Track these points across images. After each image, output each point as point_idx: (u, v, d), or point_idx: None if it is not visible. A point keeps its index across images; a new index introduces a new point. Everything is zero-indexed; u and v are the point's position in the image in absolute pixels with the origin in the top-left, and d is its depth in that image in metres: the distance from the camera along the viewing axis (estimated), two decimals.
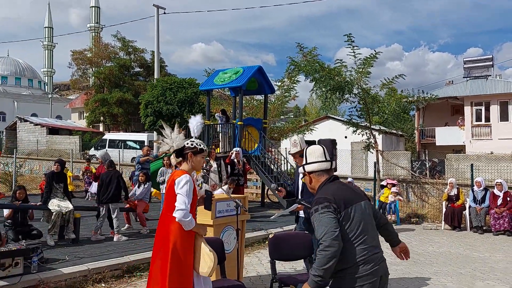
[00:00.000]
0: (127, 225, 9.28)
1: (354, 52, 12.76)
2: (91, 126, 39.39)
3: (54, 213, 7.44)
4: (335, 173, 3.05)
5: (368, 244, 2.74)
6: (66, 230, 7.66)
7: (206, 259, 3.70)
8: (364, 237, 2.73)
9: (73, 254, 6.72)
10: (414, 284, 6.15)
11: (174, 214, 3.54)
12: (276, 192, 5.48)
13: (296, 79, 15.89)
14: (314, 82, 12.87)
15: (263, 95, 14.41)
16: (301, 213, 5.48)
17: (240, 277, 5.35)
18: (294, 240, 4.80)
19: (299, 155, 5.34)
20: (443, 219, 11.16)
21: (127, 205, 9.05)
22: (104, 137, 30.03)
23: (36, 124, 35.65)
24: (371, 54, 13.14)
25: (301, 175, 5.62)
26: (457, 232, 10.57)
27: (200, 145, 3.86)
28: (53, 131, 35.21)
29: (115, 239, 7.94)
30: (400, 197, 12.26)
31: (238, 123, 12.49)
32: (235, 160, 11.04)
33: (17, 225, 7.30)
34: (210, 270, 3.67)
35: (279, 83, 16.30)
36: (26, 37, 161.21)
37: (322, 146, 3.07)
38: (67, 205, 7.60)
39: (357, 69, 12.89)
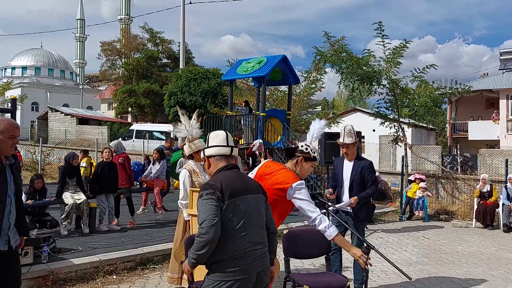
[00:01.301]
0: (142, 207, 9.26)
1: (383, 41, 12.28)
2: (119, 117, 39.88)
3: (67, 205, 7.40)
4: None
5: (249, 240, 2.66)
6: (82, 221, 7.60)
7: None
8: (245, 231, 2.65)
9: (87, 245, 6.62)
10: (441, 286, 5.75)
11: (320, 228, 3.20)
12: (327, 195, 5.16)
13: (323, 70, 15.42)
14: (340, 73, 12.45)
15: (287, 86, 14.03)
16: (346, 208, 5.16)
17: None
18: (311, 237, 4.46)
19: (353, 145, 5.02)
20: (474, 217, 10.63)
21: (145, 185, 9.01)
22: (131, 127, 30.25)
23: (67, 114, 36.28)
24: (401, 43, 12.63)
25: (348, 169, 5.09)
26: (489, 231, 10.02)
27: (315, 153, 3.49)
28: (82, 121, 35.75)
29: (104, 228, 7.82)
30: (429, 193, 11.75)
31: (261, 114, 12.19)
32: (257, 152, 10.77)
33: (35, 213, 7.25)
34: None
35: (306, 75, 15.84)
36: (59, 29, 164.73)
37: (226, 132, 2.98)
38: (80, 197, 7.56)
39: (386, 59, 12.39)
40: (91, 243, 6.72)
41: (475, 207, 10.67)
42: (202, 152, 3.09)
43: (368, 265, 3.21)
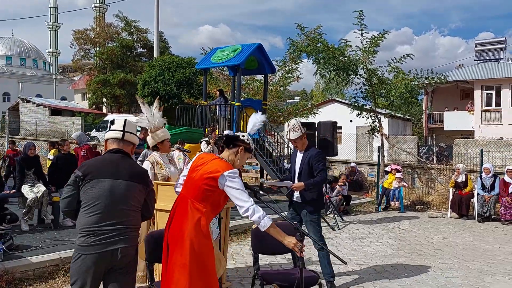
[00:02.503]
0: None
1: (361, 30, 12.11)
2: (93, 108, 38.98)
3: (28, 199, 7.01)
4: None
5: (104, 219, 2.86)
6: (42, 212, 7.22)
7: (218, 266, 3.22)
8: (100, 211, 2.86)
9: (48, 241, 6.26)
10: (414, 279, 5.61)
11: (253, 218, 2.97)
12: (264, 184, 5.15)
13: (299, 59, 15.16)
14: (317, 63, 12.24)
15: (263, 75, 13.73)
16: (295, 197, 5.14)
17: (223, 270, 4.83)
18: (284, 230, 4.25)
19: (300, 139, 5.02)
20: (449, 207, 10.62)
21: None
22: (106, 118, 29.54)
23: (39, 105, 35.22)
24: (379, 33, 12.50)
25: (298, 159, 5.15)
26: (464, 221, 10.01)
27: (252, 145, 3.36)
28: (56, 112, 34.75)
29: (70, 223, 7.42)
30: (405, 183, 11.70)
31: (236, 104, 11.89)
32: None
33: None
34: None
35: (281, 64, 15.54)
36: (30, 16, 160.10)
37: (126, 120, 3.18)
38: (38, 189, 7.17)
39: (363, 48, 12.24)
40: (52, 239, 6.36)
41: (450, 197, 10.66)
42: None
43: (303, 253, 3.09)
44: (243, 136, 3.32)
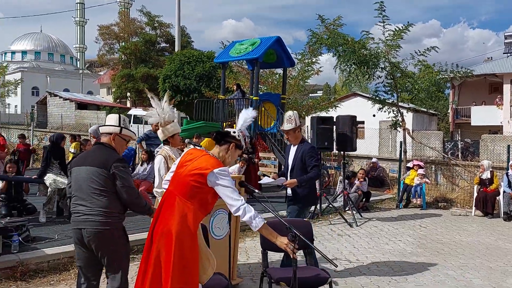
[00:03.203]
0: None
1: (383, 22, 11.82)
2: (118, 102, 39.53)
3: (50, 189, 7.07)
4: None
5: (76, 201, 3.39)
6: (62, 204, 7.30)
7: (206, 265, 3.13)
8: (76, 194, 3.41)
9: (65, 233, 6.29)
10: (433, 280, 5.43)
11: (244, 219, 2.91)
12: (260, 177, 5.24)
13: (319, 51, 14.90)
14: (337, 56, 12.01)
15: (282, 69, 13.56)
16: (289, 192, 5.12)
17: (233, 267, 4.77)
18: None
19: (293, 131, 4.98)
20: (474, 205, 10.29)
21: None
22: (129, 112, 29.91)
23: (65, 99, 35.96)
24: (403, 25, 12.17)
25: (292, 154, 5.08)
26: (489, 219, 9.68)
27: (243, 142, 3.31)
28: (81, 106, 35.43)
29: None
30: (427, 180, 11.39)
31: (254, 98, 11.77)
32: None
33: (11, 200, 6.94)
34: (206, 278, 3.14)
35: (300, 57, 15.32)
36: (59, 14, 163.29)
37: (119, 115, 3.66)
38: (63, 181, 7.19)
39: (385, 41, 11.94)
40: (69, 231, 6.36)
41: (475, 194, 10.33)
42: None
43: (296, 254, 3.01)
44: (234, 132, 3.23)
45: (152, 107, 4.60)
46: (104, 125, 3.63)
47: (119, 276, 3.37)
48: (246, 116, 3.43)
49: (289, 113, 5.03)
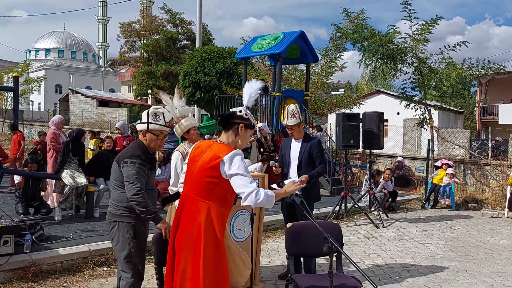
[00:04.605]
0: None
1: (410, 16, 11.33)
2: (138, 99, 39.65)
3: (67, 187, 6.88)
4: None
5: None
6: (79, 202, 7.12)
7: (241, 267, 2.92)
8: None
9: (79, 232, 6.11)
10: (469, 287, 5.02)
11: (245, 203, 2.61)
12: (273, 168, 4.90)
13: (342, 47, 14.47)
14: (362, 51, 11.57)
15: (305, 64, 13.18)
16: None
17: (255, 271, 4.47)
18: (319, 232, 3.82)
19: (298, 126, 4.81)
20: (506, 206, 9.77)
21: None
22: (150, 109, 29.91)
23: (87, 96, 36.22)
24: (431, 19, 11.66)
25: (296, 149, 4.86)
26: None
27: (253, 120, 2.94)
28: (103, 103, 35.63)
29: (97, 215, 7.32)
30: (457, 180, 10.88)
31: (276, 94, 11.44)
32: (262, 136, 10.15)
33: (27, 197, 6.78)
34: (243, 281, 2.93)
35: (324, 52, 14.88)
36: (82, 12, 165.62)
37: (148, 110, 3.54)
38: (81, 181, 6.98)
39: (413, 35, 11.46)
40: (84, 231, 6.21)
41: (508, 195, 9.81)
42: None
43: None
44: (240, 111, 2.85)
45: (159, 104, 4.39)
46: (139, 123, 3.70)
47: (128, 270, 3.36)
48: (250, 90, 3.01)
49: (291, 106, 4.81)
